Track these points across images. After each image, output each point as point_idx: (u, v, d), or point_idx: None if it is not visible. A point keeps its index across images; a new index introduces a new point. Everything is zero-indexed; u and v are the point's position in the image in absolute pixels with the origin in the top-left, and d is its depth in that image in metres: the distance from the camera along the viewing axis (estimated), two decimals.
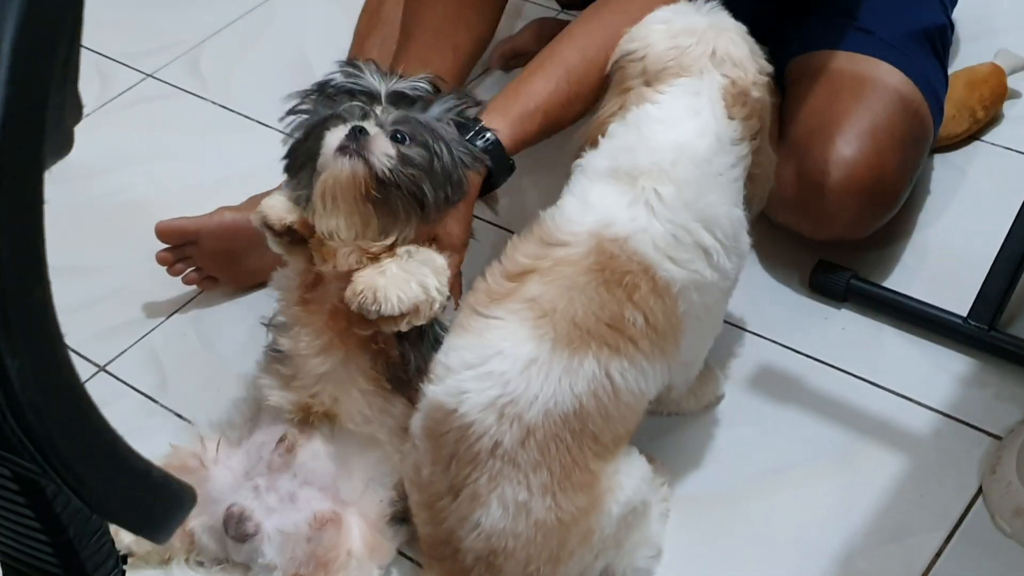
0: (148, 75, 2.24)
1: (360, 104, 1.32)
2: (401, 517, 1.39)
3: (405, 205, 1.30)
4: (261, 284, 1.77)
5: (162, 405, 1.63)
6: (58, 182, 2.04)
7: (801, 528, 1.43)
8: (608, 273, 1.25)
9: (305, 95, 1.38)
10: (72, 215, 1.93)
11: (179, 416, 1.61)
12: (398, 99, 1.34)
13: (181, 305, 1.77)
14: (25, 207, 0.47)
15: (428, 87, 1.37)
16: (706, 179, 1.30)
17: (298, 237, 1.35)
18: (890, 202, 1.64)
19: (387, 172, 1.27)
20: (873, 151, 1.60)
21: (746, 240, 1.36)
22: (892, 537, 1.41)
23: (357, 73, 1.35)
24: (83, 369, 1.66)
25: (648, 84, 1.35)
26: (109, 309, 1.78)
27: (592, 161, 1.33)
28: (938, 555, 1.39)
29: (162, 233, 1.67)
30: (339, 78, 1.36)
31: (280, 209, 1.34)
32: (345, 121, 1.30)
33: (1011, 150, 1.90)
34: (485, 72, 2.11)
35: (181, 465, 1.39)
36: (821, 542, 1.41)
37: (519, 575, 1.27)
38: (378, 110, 1.32)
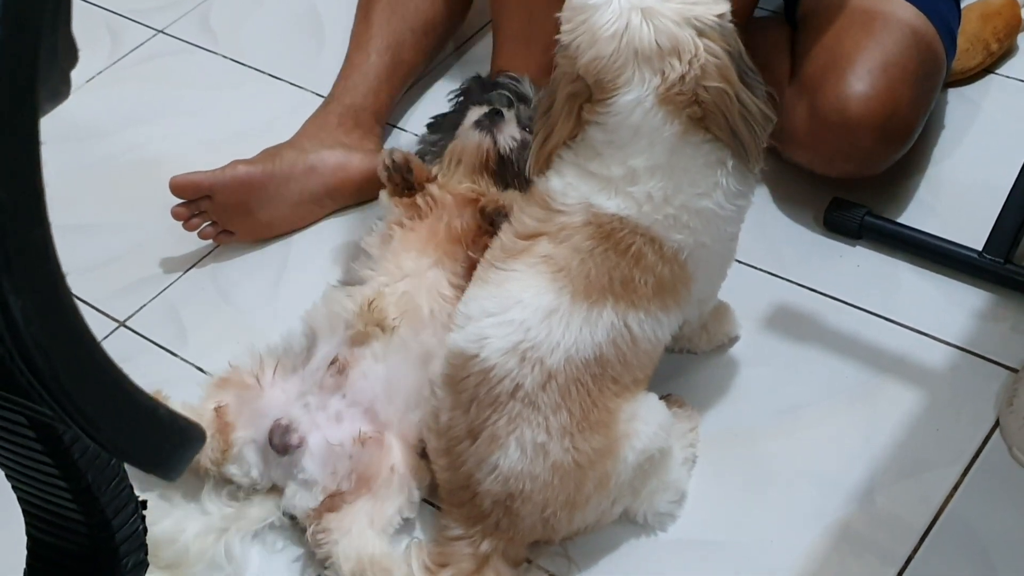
0: (159, 31, 2.24)
1: (508, 95, 1.57)
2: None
3: (516, 180, 1.50)
4: (277, 236, 1.78)
5: (182, 358, 1.65)
6: (72, 141, 2.07)
7: (818, 465, 1.44)
8: (613, 242, 1.26)
9: (471, 81, 1.67)
10: (87, 174, 1.94)
11: (199, 369, 1.62)
12: None
13: (198, 259, 1.78)
14: (22, 148, 0.48)
15: None
16: (671, 180, 1.24)
17: (408, 183, 1.51)
18: (904, 137, 1.63)
19: (508, 151, 1.51)
20: (886, 86, 1.59)
21: (746, 196, 1.31)
22: (910, 472, 1.42)
23: (519, 79, 1.61)
24: (103, 325, 1.69)
25: (589, 98, 1.25)
26: (127, 265, 1.79)
27: (566, 152, 1.30)
28: (955, 488, 1.39)
29: (176, 188, 1.68)
30: (504, 79, 1.62)
31: (403, 151, 1.53)
32: (495, 102, 1.56)
33: None
34: None
35: (238, 382, 1.43)
36: (839, 479, 1.42)
37: (536, 519, 1.28)
38: (521, 107, 1.56)
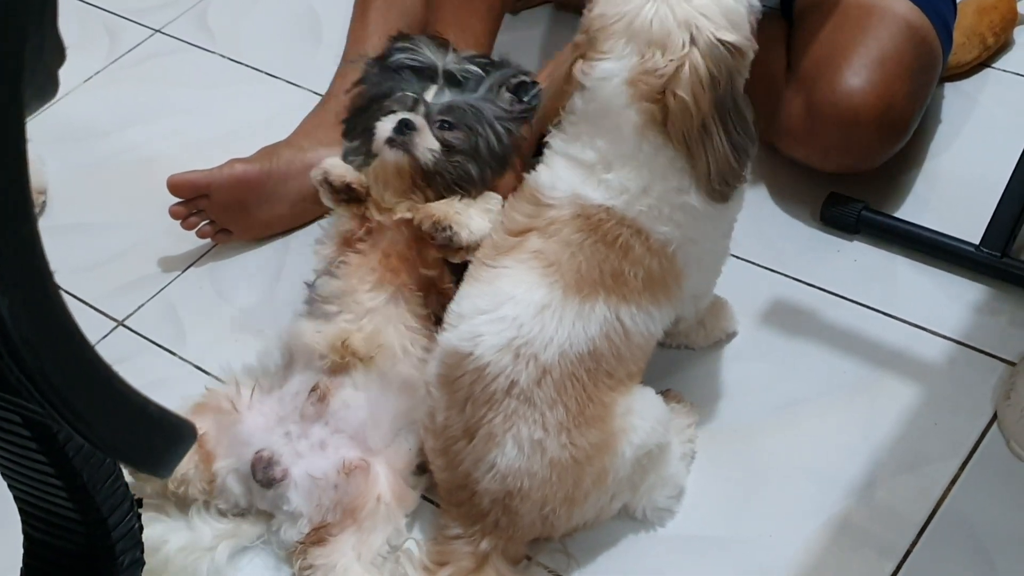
0: (156, 31, 2.25)
1: (412, 93, 1.43)
2: (427, 467, 1.40)
3: (454, 185, 1.41)
4: (274, 235, 1.79)
5: (181, 357, 1.65)
6: (70, 141, 2.08)
7: (817, 460, 1.44)
8: (601, 234, 1.26)
9: (368, 67, 1.51)
10: (85, 173, 1.94)
11: (198, 368, 1.62)
12: (452, 77, 1.45)
13: (196, 258, 1.78)
14: (8, 146, 0.48)
15: (480, 70, 1.46)
16: (640, 172, 1.25)
17: (354, 196, 1.44)
18: (900, 131, 1.64)
19: (430, 164, 1.39)
20: (881, 81, 1.59)
21: (734, 202, 1.31)
22: (908, 466, 1.42)
23: (416, 49, 1.46)
24: (102, 324, 1.69)
25: (586, 54, 1.25)
26: (125, 265, 1.79)
27: (554, 139, 1.31)
28: (954, 482, 1.40)
29: (174, 187, 1.68)
30: (399, 55, 1.47)
31: (341, 168, 1.44)
32: (399, 105, 1.42)
33: (1022, 76, 1.89)
34: None
35: (215, 407, 1.41)
36: (838, 473, 1.42)
37: (535, 517, 1.28)
38: (429, 95, 1.42)
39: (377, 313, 1.40)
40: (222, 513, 1.40)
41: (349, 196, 1.44)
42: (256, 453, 1.36)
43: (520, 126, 1.46)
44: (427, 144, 1.39)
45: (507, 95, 1.46)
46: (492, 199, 1.42)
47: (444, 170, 1.40)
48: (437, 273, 1.42)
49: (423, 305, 1.42)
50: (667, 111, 1.21)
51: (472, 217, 1.38)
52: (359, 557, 1.32)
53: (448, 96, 1.43)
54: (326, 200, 1.46)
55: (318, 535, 1.33)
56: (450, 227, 1.36)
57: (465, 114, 1.42)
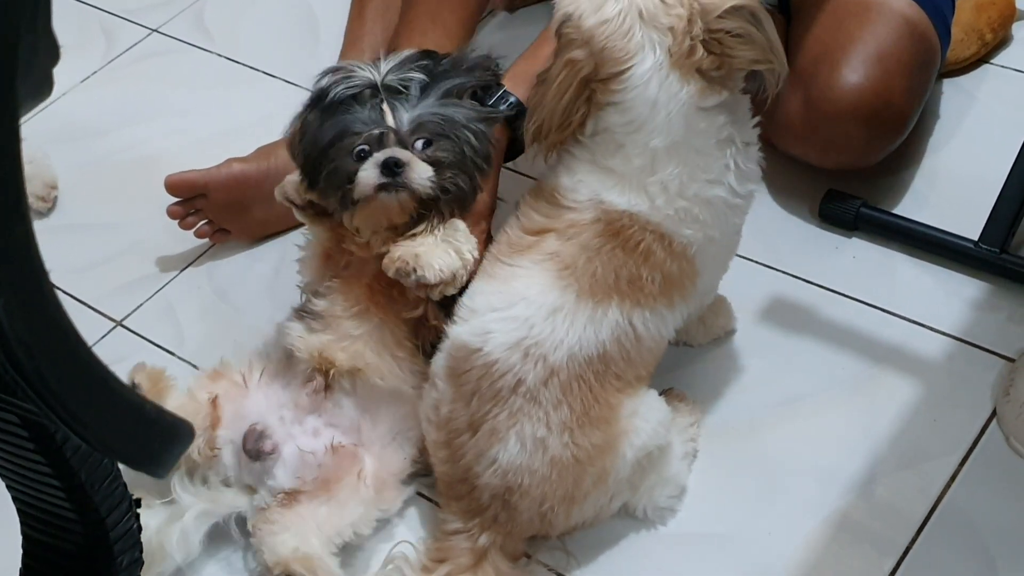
0: (153, 30, 2.24)
1: (375, 128, 1.32)
2: (423, 473, 1.42)
3: (448, 205, 1.34)
4: (272, 235, 1.79)
5: (179, 357, 1.65)
6: (67, 141, 2.07)
7: (817, 457, 1.43)
8: (621, 240, 1.25)
9: (304, 115, 1.39)
10: (83, 173, 1.94)
11: (196, 368, 1.62)
12: (393, 89, 1.34)
13: (194, 258, 1.78)
14: (2, 146, 0.48)
15: (422, 75, 1.35)
16: (686, 165, 1.24)
17: (320, 209, 1.40)
18: (898, 128, 1.63)
19: (430, 191, 1.31)
20: (879, 77, 1.59)
21: (754, 180, 1.31)
22: (908, 463, 1.42)
23: (348, 77, 1.35)
24: (100, 325, 1.69)
25: (597, 74, 1.22)
26: (124, 265, 1.79)
27: (580, 150, 1.29)
28: (953, 478, 1.39)
29: (171, 186, 1.68)
30: (336, 90, 1.35)
31: (301, 185, 1.40)
32: (367, 146, 1.31)
33: (1021, 72, 1.89)
34: (489, 14, 2.10)
35: (228, 380, 1.42)
36: (837, 470, 1.42)
37: (534, 513, 1.28)
38: (389, 119, 1.32)
39: (359, 340, 1.38)
40: (204, 482, 1.39)
41: (316, 210, 1.40)
42: (250, 426, 1.38)
43: (491, 125, 1.37)
44: (422, 174, 1.30)
45: (464, 103, 1.37)
46: (456, 229, 1.35)
47: (439, 190, 1.32)
48: (421, 312, 1.38)
49: (411, 336, 1.40)
50: (722, 46, 1.19)
51: (435, 254, 1.31)
52: (318, 528, 1.32)
53: (406, 111, 1.32)
54: (298, 216, 1.43)
55: (287, 499, 1.34)
56: (415, 270, 1.30)
57: (437, 125, 1.33)
